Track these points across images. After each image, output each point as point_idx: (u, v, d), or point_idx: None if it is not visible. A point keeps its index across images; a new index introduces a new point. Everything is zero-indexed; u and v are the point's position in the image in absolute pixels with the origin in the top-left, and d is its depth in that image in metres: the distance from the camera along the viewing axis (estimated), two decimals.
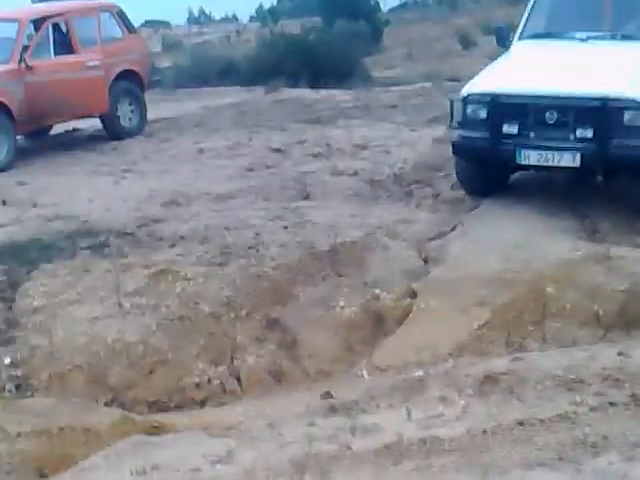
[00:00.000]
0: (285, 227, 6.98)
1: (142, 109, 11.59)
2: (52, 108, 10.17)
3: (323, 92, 14.46)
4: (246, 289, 5.91)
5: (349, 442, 3.72)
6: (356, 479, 3.33)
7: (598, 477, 3.22)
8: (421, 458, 3.48)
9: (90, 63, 10.62)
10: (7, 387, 5.05)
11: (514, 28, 8.56)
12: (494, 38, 8.90)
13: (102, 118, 11.10)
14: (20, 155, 9.87)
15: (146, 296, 5.76)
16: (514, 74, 7.63)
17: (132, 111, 11.40)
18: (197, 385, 5.25)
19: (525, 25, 8.33)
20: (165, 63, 20.57)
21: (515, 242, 6.59)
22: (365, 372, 5.50)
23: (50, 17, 10.50)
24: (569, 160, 7.01)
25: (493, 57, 8.61)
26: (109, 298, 5.72)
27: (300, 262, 6.31)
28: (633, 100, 6.84)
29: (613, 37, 7.80)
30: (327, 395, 4.78)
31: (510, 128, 7.16)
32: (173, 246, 6.61)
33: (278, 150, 9.80)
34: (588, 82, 7.10)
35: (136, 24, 13.48)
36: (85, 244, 6.66)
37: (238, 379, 5.37)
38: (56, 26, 10.58)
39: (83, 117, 11.09)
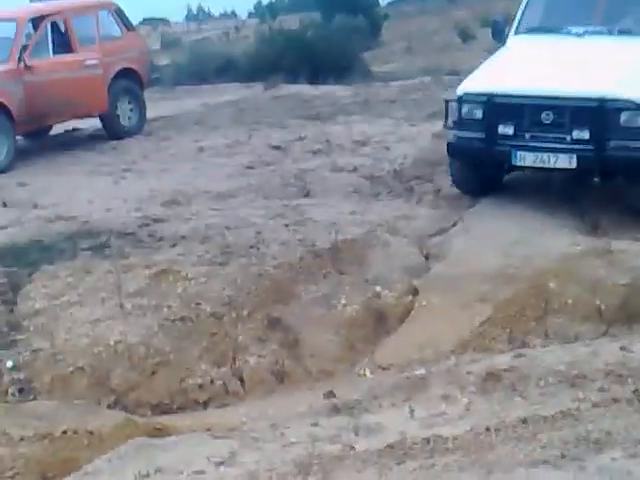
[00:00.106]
0: (286, 225, 6.97)
1: (141, 108, 11.58)
2: (51, 108, 10.16)
3: (322, 88, 14.44)
4: (247, 288, 5.90)
5: (352, 442, 3.71)
6: (360, 479, 3.32)
7: (602, 474, 3.21)
8: (424, 457, 3.47)
9: (89, 62, 10.61)
10: (10, 391, 5.04)
11: (511, 21, 8.51)
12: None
13: (101, 117, 11.09)
14: (20, 156, 9.86)
15: (147, 297, 5.75)
16: (510, 73, 7.54)
17: (131, 110, 11.39)
18: (199, 386, 5.24)
19: (521, 19, 8.23)
20: (164, 61, 20.56)
21: (516, 238, 6.58)
22: (367, 371, 5.50)
23: (48, 16, 10.49)
24: (565, 162, 6.94)
25: (492, 51, 8.56)
26: (110, 299, 5.71)
27: (301, 260, 6.31)
28: (630, 101, 6.77)
29: (610, 32, 7.69)
30: (330, 395, 4.78)
31: (506, 129, 7.09)
32: (174, 246, 6.60)
33: (278, 147, 9.80)
34: (584, 82, 7.02)
35: (134, 22, 13.50)
36: (86, 245, 6.65)
37: (241, 380, 5.36)
38: (54, 25, 10.57)
39: (82, 117, 11.08)
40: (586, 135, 6.86)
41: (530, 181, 7.87)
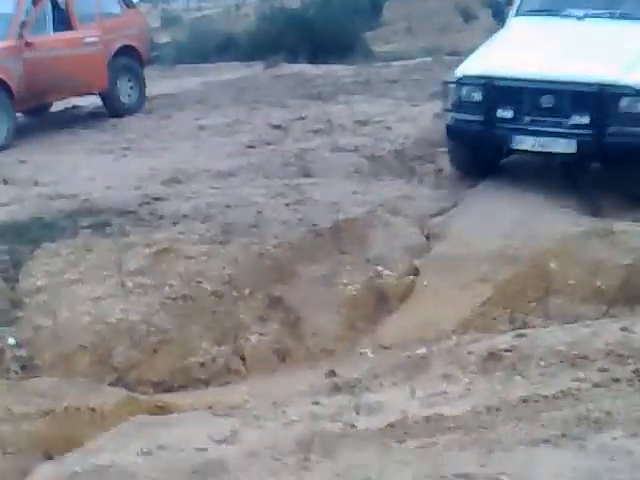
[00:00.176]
0: (286, 204, 6.96)
1: (141, 85, 11.56)
2: (51, 85, 10.13)
3: (323, 67, 14.40)
4: (248, 267, 5.90)
5: (353, 421, 3.72)
6: (361, 458, 3.33)
7: (602, 453, 3.22)
8: (425, 436, 3.48)
9: (88, 39, 10.57)
10: (12, 368, 5.06)
11: (511, 2, 8.46)
12: None
13: (101, 95, 11.06)
14: (20, 133, 9.83)
15: (148, 275, 5.75)
16: (510, 55, 7.49)
17: (131, 87, 11.37)
18: (201, 365, 5.24)
19: (522, 1, 8.19)
20: (164, 39, 20.48)
21: (516, 218, 6.60)
22: (368, 350, 5.51)
23: None
24: (564, 146, 6.94)
25: (493, 31, 8.52)
26: (111, 277, 5.71)
27: (302, 240, 6.30)
28: (630, 87, 6.75)
29: (611, 15, 7.65)
30: (331, 373, 4.79)
31: (505, 112, 7.07)
32: (175, 224, 6.60)
33: (278, 127, 9.77)
34: (585, 67, 6.99)
35: None
36: (86, 223, 6.64)
37: (242, 358, 5.37)
38: (54, 2, 10.51)
39: (82, 94, 11.05)
40: (586, 120, 6.84)
41: (531, 163, 7.86)
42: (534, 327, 5.21)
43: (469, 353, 4.41)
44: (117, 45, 11.08)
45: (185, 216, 6.75)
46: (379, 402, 3.94)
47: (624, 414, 3.51)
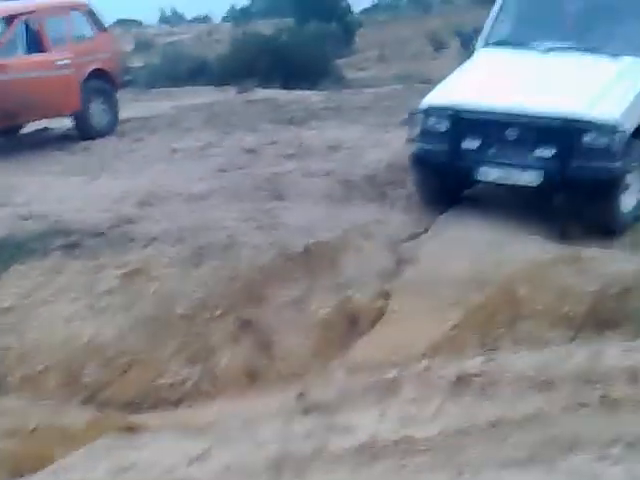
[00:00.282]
0: (258, 228, 6.97)
1: (114, 108, 11.53)
2: (23, 107, 10.08)
3: (296, 93, 14.45)
4: (219, 290, 5.90)
5: (324, 442, 3.73)
6: (331, 479, 3.33)
7: (570, 476, 3.25)
8: (395, 458, 3.50)
9: (61, 62, 10.54)
10: None
11: (479, 33, 8.49)
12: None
13: (73, 117, 11.03)
14: None
15: (119, 297, 5.73)
16: (476, 87, 7.49)
17: (104, 110, 11.33)
18: (171, 385, 5.23)
19: (489, 32, 8.21)
20: (137, 62, 20.48)
21: (486, 244, 6.64)
22: (339, 373, 5.51)
23: (21, 15, 10.42)
24: (528, 179, 6.95)
25: (462, 61, 8.59)
26: (82, 299, 5.69)
27: (273, 263, 6.31)
28: (594, 122, 6.77)
29: (577, 49, 7.64)
30: (302, 395, 4.79)
31: (470, 143, 7.08)
32: (146, 247, 6.57)
33: (250, 151, 9.78)
34: (550, 101, 7.01)
35: (107, 23, 13.41)
36: (57, 244, 6.61)
37: (212, 379, 5.36)
38: (27, 24, 10.48)
39: (54, 116, 11.02)
40: (550, 153, 6.86)
41: (501, 190, 7.93)
42: (503, 352, 5.24)
43: (439, 377, 4.43)
44: (90, 68, 11.06)
45: (156, 239, 6.72)
46: (350, 424, 3.95)
47: (591, 438, 3.54)
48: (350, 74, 19.26)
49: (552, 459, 3.39)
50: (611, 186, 6.92)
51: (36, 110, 10.40)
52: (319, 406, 4.27)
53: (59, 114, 10.93)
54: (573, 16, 8.06)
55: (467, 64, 8.11)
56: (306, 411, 4.22)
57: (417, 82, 15.16)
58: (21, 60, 10.21)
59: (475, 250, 6.56)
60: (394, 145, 9.69)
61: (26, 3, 11.33)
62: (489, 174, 7.09)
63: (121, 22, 37.07)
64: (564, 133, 6.84)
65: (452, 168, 7.18)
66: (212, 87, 15.94)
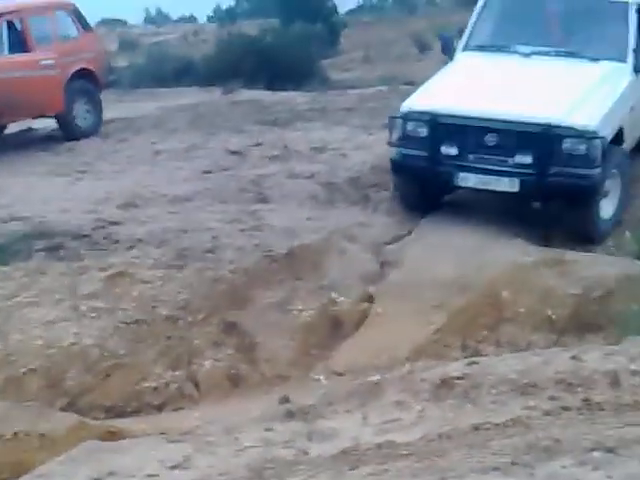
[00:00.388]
0: (242, 230, 6.97)
1: (98, 109, 11.50)
2: (6, 107, 10.03)
3: (281, 94, 14.44)
4: (203, 293, 5.90)
5: (306, 447, 3.72)
6: None
7: None
8: (377, 463, 3.50)
9: (45, 62, 10.51)
10: None
11: (460, 36, 8.48)
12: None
13: (57, 118, 10.98)
14: None
15: (102, 299, 5.72)
16: (455, 92, 7.50)
17: (88, 111, 11.30)
18: (154, 389, 5.22)
19: (470, 35, 8.22)
20: (122, 63, 20.39)
21: (469, 247, 6.67)
22: (322, 376, 5.53)
23: (5, 14, 10.35)
24: (507, 185, 6.94)
25: (444, 64, 8.58)
26: (65, 301, 5.67)
27: (257, 265, 6.32)
28: (572, 128, 6.77)
29: (557, 53, 7.69)
30: (284, 400, 4.79)
31: (449, 149, 7.07)
32: (130, 249, 6.57)
33: (235, 152, 9.77)
34: (529, 107, 7.00)
35: (92, 22, 13.37)
36: (41, 246, 6.59)
37: (195, 383, 5.36)
38: (11, 24, 10.44)
39: (38, 116, 10.97)
40: (529, 160, 6.86)
41: (483, 194, 7.94)
42: (486, 355, 5.27)
43: (422, 380, 4.43)
44: (74, 68, 11.02)
45: (140, 240, 6.72)
46: (332, 429, 3.95)
47: (573, 442, 3.55)
48: (335, 75, 19.24)
49: (533, 464, 3.39)
50: (590, 193, 6.93)
51: (19, 110, 10.36)
52: (302, 410, 4.26)
53: (43, 114, 10.89)
54: (554, 20, 8.09)
55: (447, 68, 8.11)
56: (288, 415, 4.21)
57: (402, 84, 15.14)
58: (4, 60, 10.15)
59: (458, 253, 6.58)
60: (378, 147, 9.70)
61: (10, 3, 11.28)
62: (468, 180, 7.08)
63: (105, 22, 36.91)
64: (543, 139, 6.83)
65: (431, 173, 7.17)
66: (197, 88, 15.90)
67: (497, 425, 3.81)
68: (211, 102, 13.88)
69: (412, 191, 7.63)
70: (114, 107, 12.77)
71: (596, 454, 3.40)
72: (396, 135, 7.38)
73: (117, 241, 6.74)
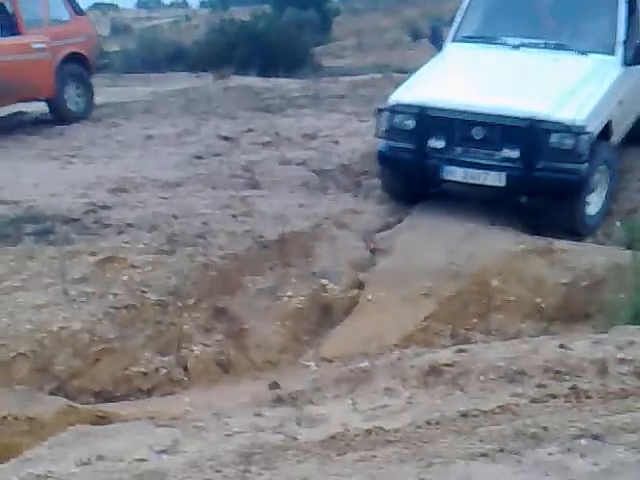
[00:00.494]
0: (233, 216, 6.96)
1: (89, 93, 11.47)
2: None
3: (273, 80, 14.43)
4: (193, 278, 5.89)
5: (295, 433, 3.73)
6: (301, 470, 3.34)
7: (538, 468, 3.27)
8: (366, 449, 3.51)
9: (36, 45, 10.46)
10: None
11: (449, 26, 8.42)
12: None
13: (48, 101, 10.95)
14: None
15: (92, 284, 5.70)
16: (443, 85, 7.44)
17: (79, 95, 11.27)
18: (143, 374, 5.22)
19: (459, 27, 8.16)
20: (113, 47, 20.34)
21: (460, 235, 6.67)
22: (312, 363, 5.54)
23: None
24: (494, 179, 6.88)
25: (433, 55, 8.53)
26: (54, 285, 5.65)
27: (248, 251, 6.31)
28: (560, 122, 6.72)
29: (546, 46, 7.63)
30: (274, 385, 4.81)
31: (436, 142, 7.02)
32: (120, 233, 6.55)
33: (227, 138, 9.77)
34: (516, 100, 6.95)
35: (84, 6, 13.30)
36: (30, 230, 6.56)
37: (185, 369, 5.36)
38: (1, 6, 10.39)
39: (29, 100, 10.92)
40: (516, 154, 6.81)
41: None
42: (475, 342, 5.28)
43: (411, 367, 4.44)
44: (65, 52, 10.98)
45: (131, 225, 6.70)
46: (321, 414, 3.96)
47: (560, 430, 3.57)
48: (327, 62, 19.23)
49: (521, 451, 3.41)
50: (577, 188, 6.90)
51: (10, 94, 10.30)
52: (291, 396, 4.27)
53: (34, 98, 10.84)
54: (543, 12, 8.04)
55: (435, 60, 8.05)
56: (278, 401, 4.22)
57: (394, 71, 15.13)
58: None
59: (449, 241, 6.59)
60: (369, 135, 9.68)
61: None
62: (455, 173, 7.02)
63: (98, 6, 36.78)
64: (530, 134, 6.78)
65: (418, 166, 7.13)
66: (189, 73, 15.88)
67: (485, 412, 3.83)
68: (203, 88, 13.85)
69: (398, 183, 7.58)
70: (106, 92, 12.74)
71: (583, 441, 3.42)
72: (383, 127, 7.33)
73: (107, 226, 6.72)
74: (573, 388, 4.00)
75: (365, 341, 5.61)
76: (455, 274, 6.15)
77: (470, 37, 8.06)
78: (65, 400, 4.64)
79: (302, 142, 9.57)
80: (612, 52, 7.56)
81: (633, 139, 8.25)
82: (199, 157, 8.96)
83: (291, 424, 3.85)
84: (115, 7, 41.47)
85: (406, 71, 12.60)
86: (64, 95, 10.96)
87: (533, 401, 3.92)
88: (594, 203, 7.19)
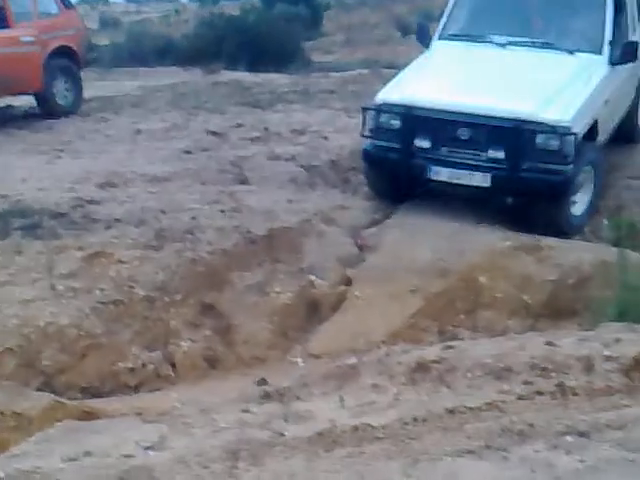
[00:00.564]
0: (221, 211, 6.96)
1: (78, 87, 11.43)
2: None
3: (262, 75, 14.42)
4: (181, 273, 5.89)
5: (282, 429, 3.74)
6: (288, 466, 3.35)
7: (524, 465, 3.29)
8: (353, 445, 3.52)
9: (25, 39, 10.42)
10: None
11: (436, 24, 8.40)
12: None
13: (37, 95, 10.91)
14: None
15: (80, 279, 5.69)
16: (429, 84, 7.41)
17: (67, 89, 11.23)
18: (131, 370, 5.21)
19: (445, 24, 8.14)
20: (102, 41, 20.26)
21: (447, 232, 6.68)
22: (299, 359, 5.54)
23: None
24: (480, 180, 6.85)
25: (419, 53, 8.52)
26: (42, 280, 5.64)
27: (236, 247, 6.31)
28: (545, 123, 6.70)
29: (533, 44, 7.61)
30: (262, 381, 4.81)
31: (422, 142, 6.99)
32: (108, 228, 6.53)
33: (215, 133, 9.75)
34: (502, 101, 6.92)
35: (73, 0, 13.25)
36: (18, 224, 6.54)
37: (172, 364, 5.36)
38: None
39: (17, 94, 10.88)
40: (501, 154, 6.78)
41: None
42: (462, 339, 5.30)
43: (398, 364, 4.46)
44: (54, 45, 10.94)
45: (119, 220, 6.68)
46: (308, 411, 3.97)
47: (546, 427, 3.59)
48: (317, 57, 19.21)
49: (507, 448, 3.42)
50: (563, 189, 6.90)
51: None
52: (278, 392, 4.28)
53: (22, 92, 10.80)
54: (531, 10, 8.01)
55: (422, 58, 8.03)
56: (265, 397, 4.23)
57: (383, 67, 15.13)
58: None
59: (437, 238, 6.61)
60: (358, 130, 9.69)
61: None
62: (441, 173, 6.99)
63: None
64: (516, 134, 6.75)
65: (404, 166, 7.11)
66: (178, 68, 15.84)
67: (472, 409, 3.84)
68: (192, 82, 13.84)
69: (384, 182, 7.56)
70: (94, 86, 12.71)
71: (569, 438, 3.44)
72: (369, 126, 7.31)
73: (95, 220, 6.70)
74: (559, 385, 4.01)
75: (353, 337, 5.62)
76: (442, 271, 6.16)
77: (457, 35, 8.04)
78: (52, 396, 4.63)
79: (291, 138, 9.57)
80: (599, 51, 7.57)
81: (620, 137, 8.27)
82: (188, 152, 8.94)
83: (278, 420, 3.85)
84: (105, 1, 41.32)
85: (395, 67, 12.59)
86: (53, 89, 10.93)
87: (519, 398, 3.93)
88: (580, 203, 7.19)
